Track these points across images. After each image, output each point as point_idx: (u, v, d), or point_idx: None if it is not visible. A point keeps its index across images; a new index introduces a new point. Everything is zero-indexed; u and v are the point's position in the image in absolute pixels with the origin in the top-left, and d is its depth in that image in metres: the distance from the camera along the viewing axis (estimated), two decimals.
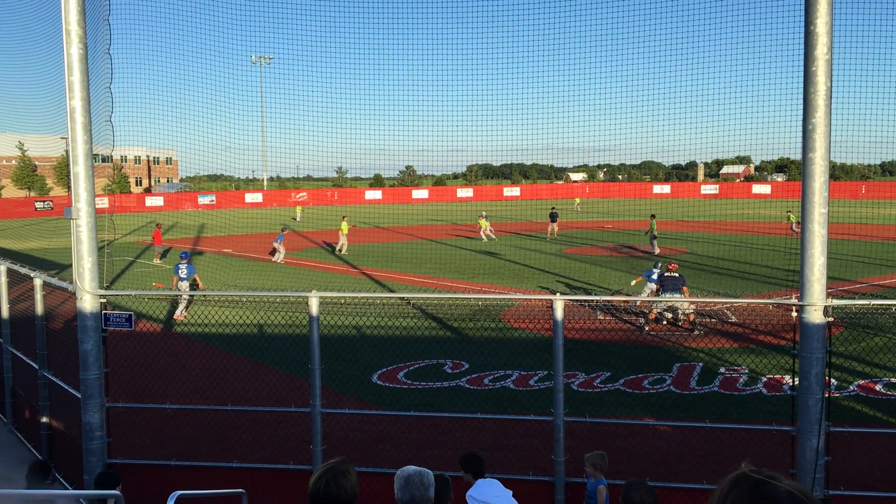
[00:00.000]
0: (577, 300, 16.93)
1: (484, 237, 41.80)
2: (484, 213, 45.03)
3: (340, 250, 36.38)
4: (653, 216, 35.52)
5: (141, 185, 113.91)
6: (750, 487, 1.73)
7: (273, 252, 34.05)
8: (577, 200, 74.24)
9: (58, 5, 8.28)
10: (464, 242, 41.01)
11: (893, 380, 13.51)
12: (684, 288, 18.24)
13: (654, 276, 19.74)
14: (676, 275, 18.50)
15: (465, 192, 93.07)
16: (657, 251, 33.90)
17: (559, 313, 7.87)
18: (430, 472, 4.36)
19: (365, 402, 12.62)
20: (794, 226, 42.06)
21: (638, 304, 19.35)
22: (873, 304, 15.44)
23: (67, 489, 9.04)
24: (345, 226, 36.70)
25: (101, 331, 8.81)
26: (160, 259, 33.47)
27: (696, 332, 17.41)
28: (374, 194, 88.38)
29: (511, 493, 6.37)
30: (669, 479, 8.67)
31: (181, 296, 20.04)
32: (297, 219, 58.97)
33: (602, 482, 7.18)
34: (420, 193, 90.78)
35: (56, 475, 7.64)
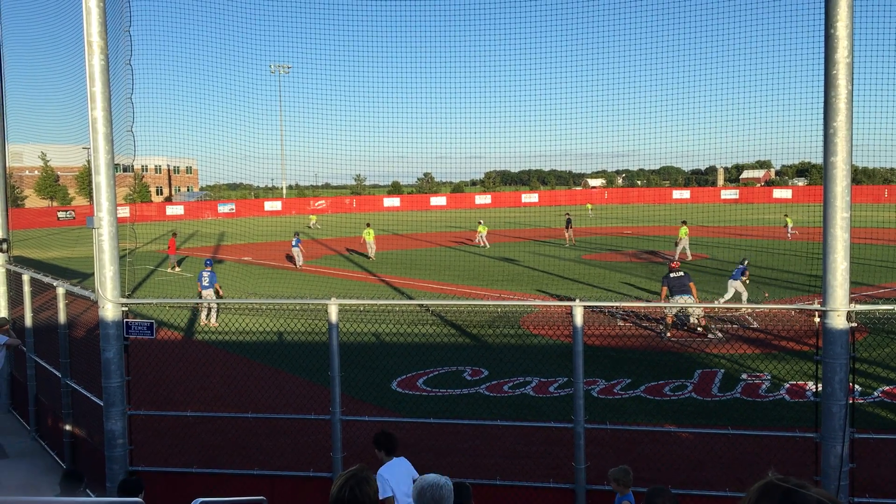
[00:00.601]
0: (596, 306, 16.85)
1: (480, 244, 41.84)
2: (481, 220, 45.17)
3: (371, 257, 36.74)
4: (683, 222, 35.20)
5: (161, 194, 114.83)
6: (780, 496, 1.71)
7: (291, 258, 34.23)
8: (590, 206, 74.05)
9: (80, 17, 8.40)
10: (480, 249, 40.96)
11: None
12: (691, 284, 17.84)
13: (736, 273, 20.16)
14: (681, 273, 17.97)
15: (483, 199, 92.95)
16: (689, 257, 33.66)
17: (579, 319, 7.84)
18: (448, 484, 4.30)
19: (384, 409, 12.61)
20: (790, 229, 41.80)
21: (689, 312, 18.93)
22: None
23: (90, 497, 9.10)
24: (370, 232, 36.99)
25: (123, 339, 8.89)
26: (178, 267, 33.72)
27: (711, 336, 17.22)
28: (392, 201, 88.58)
29: (415, 475, 6.65)
30: (692, 487, 8.59)
31: (203, 304, 20.17)
32: (312, 225, 59.08)
33: (629, 497, 7.07)
34: (438, 200, 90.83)
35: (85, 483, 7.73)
